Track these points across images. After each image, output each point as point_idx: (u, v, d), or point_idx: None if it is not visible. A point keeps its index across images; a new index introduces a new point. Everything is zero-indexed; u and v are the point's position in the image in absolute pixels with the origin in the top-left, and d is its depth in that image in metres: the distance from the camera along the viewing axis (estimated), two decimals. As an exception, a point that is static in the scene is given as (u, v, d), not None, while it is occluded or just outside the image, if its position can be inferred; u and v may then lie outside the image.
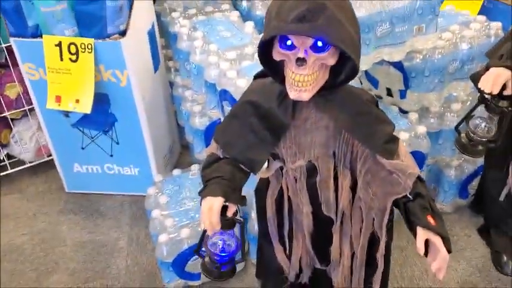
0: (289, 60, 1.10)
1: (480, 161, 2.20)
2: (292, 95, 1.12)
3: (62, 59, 2.05)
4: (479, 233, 2.22)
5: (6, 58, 2.43)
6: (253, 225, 1.92)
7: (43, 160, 2.67)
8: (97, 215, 2.42)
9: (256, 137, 1.25)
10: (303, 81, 1.10)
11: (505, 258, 2.06)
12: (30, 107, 2.48)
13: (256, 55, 1.92)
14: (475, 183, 2.29)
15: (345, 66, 1.14)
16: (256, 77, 1.35)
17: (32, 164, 2.67)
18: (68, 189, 2.56)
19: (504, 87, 1.56)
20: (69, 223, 2.39)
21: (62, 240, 2.30)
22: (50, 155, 2.60)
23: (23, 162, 2.67)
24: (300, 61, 1.07)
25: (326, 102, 1.19)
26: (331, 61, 1.09)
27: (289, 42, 1.08)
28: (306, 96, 1.11)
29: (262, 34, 1.12)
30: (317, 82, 1.11)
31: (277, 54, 1.11)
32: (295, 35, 1.05)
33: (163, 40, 2.60)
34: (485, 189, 2.14)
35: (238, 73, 1.84)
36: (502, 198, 2.00)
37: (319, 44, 1.06)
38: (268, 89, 1.24)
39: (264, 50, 1.13)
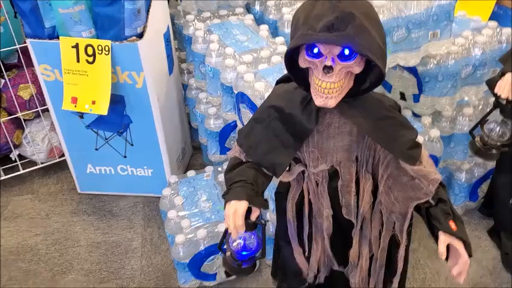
0: (315, 68, 1.12)
1: (490, 164, 2.23)
2: (318, 102, 1.14)
3: (78, 61, 2.07)
4: (489, 235, 2.25)
5: (19, 59, 2.45)
6: (269, 227, 1.95)
7: (55, 161, 2.70)
8: (110, 215, 2.45)
9: (279, 141, 1.27)
10: (329, 89, 1.11)
11: (515, 260, 2.09)
12: (43, 107, 2.51)
13: (272, 58, 1.97)
14: (485, 186, 2.32)
15: (369, 74, 1.16)
16: (278, 82, 1.37)
17: (43, 165, 2.69)
18: (80, 190, 2.58)
19: (519, 93, 1.60)
20: (83, 224, 2.41)
21: (75, 240, 2.32)
22: (62, 156, 2.63)
23: (34, 163, 2.69)
24: (327, 69, 1.09)
25: (350, 108, 1.21)
26: (357, 69, 1.11)
27: (316, 50, 1.10)
28: (331, 103, 1.13)
29: (290, 41, 1.14)
30: (343, 89, 1.13)
31: (304, 61, 1.13)
32: (324, 43, 1.08)
33: (176, 42, 2.62)
34: (495, 192, 2.17)
35: (255, 76, 1.86)
36: (512, 201, 2.04)
37: (346, 52, 1.08)
38: (291, 94, 1.26)
39: (290, 57, 1.15)
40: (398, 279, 1.43)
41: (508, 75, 1.62)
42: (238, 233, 1.23)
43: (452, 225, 1.20)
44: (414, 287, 2.04)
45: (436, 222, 1.21)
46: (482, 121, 1.72)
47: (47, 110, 2.40)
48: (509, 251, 2.12)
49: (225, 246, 1.31)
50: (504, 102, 1.63)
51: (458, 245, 1.18)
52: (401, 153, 1.22)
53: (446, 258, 1.21)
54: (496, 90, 1.63)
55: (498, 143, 1.69)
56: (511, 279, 2.06)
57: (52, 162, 2.70)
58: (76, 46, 2.05)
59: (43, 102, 2.47)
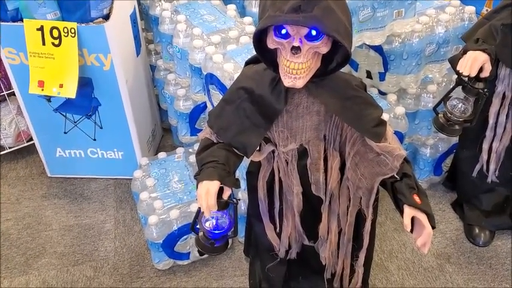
0: (283, 49, 1.14)
1: (454, 139, 2.31)
2: (287, 82, 1.16)
3: (44, 44, 2.03)
4: (452, 207, 2.34)
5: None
6: (241, 206, 1.98)
7: (23, 145, 2.66)
8: (81, 198, 2.44)
9: (250, 122, 1.29)
10: (297, 69, 1.14)
11: (476, 230, 2.18)
12: (9, 91, 2.46)
13: (241, 39, 1.98)
14: (449, 161, 2.40)
15: (336, 54, 1.18)
16: (247, 63, 1.38)
17: (11, 150, 2.64)
18: (50, 174, 2.55)
19: (481, 69, 1.65)
20: (54, 207, 2.40)
21: (47, 224, 2.31)
22: (30, 140, 2.59)
23: (2, 148, 2.64)
24: (295, 49, 1.11)
25: (317, 88, 1.24)
26: (324, 49, 1.14)
27: (283, 31, 1.12)
28: (299, 83, 1.16)
29: (258, 23, 1.15)
30: (310, 70, 1.16)
31: (272, 42, 1.15)
32: (291, 25, 1.10)
33: (143, 23, 2.59)
34: (458, 166, 2.24)
35: (224, 57, 1.87)
36: (474, 174, 2.11)
37: (313, 33, 1.10)
38: (261, 75, 1.28)
39: (258, 38, 1.17)
40: (365, 253, 1.49)
41: (469, 53, 1.66)
42: (211, 213, 1.25)
43: (416, 198, 1.24)
44: (382, 258, 2.11)
45: (401, 196, 1.26)
46: (445, 98, 1.77)
47: (13, 94, 2.35)
48: (471, 221, 2.22)
49: (197, 226, 1.34)
50: (466, 79, 1.68)
51: (422, 218, 1.23)
52: (367, 130, 1.26)
53: (411, 231, 1.26)
54: (458, 68, 1.68)
55: (460, 119, 1.75)
56: (472, 248, 2.16)
57: (20, 146, 2.66)
58: (41, 29, 2.01)
59: (9, 86, 2.42)
